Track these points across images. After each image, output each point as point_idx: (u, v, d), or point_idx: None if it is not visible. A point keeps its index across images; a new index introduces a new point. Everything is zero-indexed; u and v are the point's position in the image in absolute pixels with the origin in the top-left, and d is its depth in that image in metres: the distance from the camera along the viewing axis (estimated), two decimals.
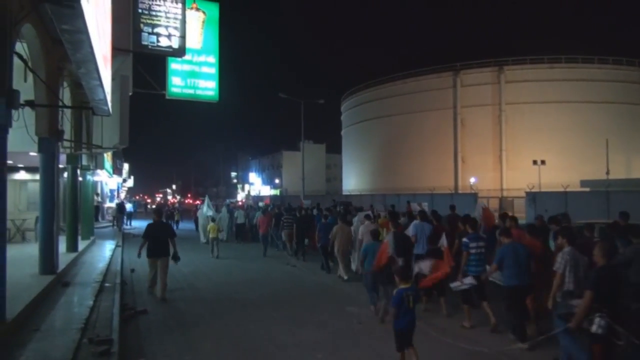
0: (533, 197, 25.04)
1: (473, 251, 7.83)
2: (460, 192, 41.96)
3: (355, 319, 8.25)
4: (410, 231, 10.01)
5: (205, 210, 20.16)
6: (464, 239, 8.06)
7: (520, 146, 45.08)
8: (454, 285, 7.86)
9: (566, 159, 42.37)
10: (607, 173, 37.00)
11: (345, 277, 11.87)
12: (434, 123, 49.81)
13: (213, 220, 18.10)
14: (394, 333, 5.76)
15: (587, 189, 28.76)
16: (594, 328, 4.72)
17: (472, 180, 43.73)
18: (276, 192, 76.36)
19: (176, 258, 9.93)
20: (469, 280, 7.69)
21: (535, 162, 38.99)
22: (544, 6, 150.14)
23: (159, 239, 9.85)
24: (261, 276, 12.89)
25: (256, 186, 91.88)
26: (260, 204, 36.88)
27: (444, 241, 8.53)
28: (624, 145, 43.08)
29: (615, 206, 20.56)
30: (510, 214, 11.17)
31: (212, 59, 19.58)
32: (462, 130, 48.61)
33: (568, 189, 24.17)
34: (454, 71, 49.58)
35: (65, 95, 12.17)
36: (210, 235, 16.63)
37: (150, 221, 10.23)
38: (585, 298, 4.87)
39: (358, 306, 9.10)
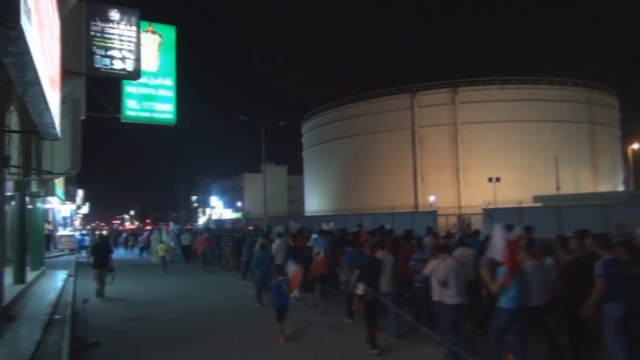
0: (489, 214, 25.71)
1: None
2: (420, 210, 42.64)
3: (318, 341, 8.17)
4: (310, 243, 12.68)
5: (163, 236, 23.11)
6: (347, 250, 10.71)
7: (476, 164, 46.40)
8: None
9: (519, 175, 43.88)
10: (557, 188, 38.57)
11: None
12: (394, 143, 50.72)
13: (162, 242, 21.24)
14: (274, 309, 8.39)
15: (540, 204, 29.87)
16: (358, 291, 7.76)
17: (432, 198, 44.57)
18: (238, 215, 75.23)
19: (111, 269, 13.64)
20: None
21: (490, 180, 40.21)
22: (497, 29, 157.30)
23: (101, 255, 13.57)
24: (221, 302, 12.59)
25: (217, 210, 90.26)
26: (200, 225, 43.09)
27: (321, 253, 11.35)
28: (572, 161, 45.10)
29: (566, 220, 21.43)
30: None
31: (169, 81, 19.28)
32: (420, 149, 49.68)
33: (522, 205, 25.01)
34: (411, 92, 50.84)
35: (13, 120, 11.71)
36: (160, 254, 20.06)
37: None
38: (355, 274, 7.95)
39: (320, 328, 9.02)
